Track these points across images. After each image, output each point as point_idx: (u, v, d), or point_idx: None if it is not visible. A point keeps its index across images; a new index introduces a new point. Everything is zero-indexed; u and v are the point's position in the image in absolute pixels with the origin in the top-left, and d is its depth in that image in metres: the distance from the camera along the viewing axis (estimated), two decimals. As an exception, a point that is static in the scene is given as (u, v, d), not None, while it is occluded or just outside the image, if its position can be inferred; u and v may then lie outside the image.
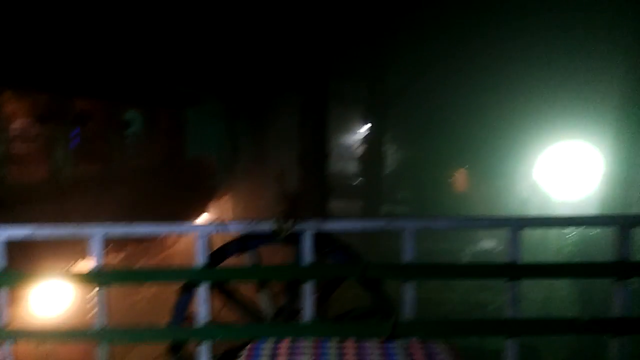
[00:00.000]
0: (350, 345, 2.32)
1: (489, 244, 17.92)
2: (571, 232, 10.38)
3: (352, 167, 22.83)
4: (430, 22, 14.74)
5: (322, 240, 3.13)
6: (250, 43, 12.70)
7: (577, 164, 11.04)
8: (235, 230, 3.03)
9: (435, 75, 16.71)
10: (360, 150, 19.71)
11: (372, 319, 3.17)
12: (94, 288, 2.97)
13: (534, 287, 11.11)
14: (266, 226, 2.97)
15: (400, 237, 3.08)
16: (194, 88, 13.12)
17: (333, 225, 3.06)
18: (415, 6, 14.79)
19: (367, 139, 17.69)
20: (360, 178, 19.84)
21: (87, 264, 3.02)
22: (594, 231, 8.44)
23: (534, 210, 17.38)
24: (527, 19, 11.32)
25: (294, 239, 3.03)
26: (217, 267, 3.03)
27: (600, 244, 9.02)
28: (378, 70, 16.92)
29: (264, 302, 3.20)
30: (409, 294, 3.10)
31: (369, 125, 18.22)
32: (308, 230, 2.97)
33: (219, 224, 2.94)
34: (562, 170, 11.43)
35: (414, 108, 19.49)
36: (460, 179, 23.80)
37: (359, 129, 22.70)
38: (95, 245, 2.96)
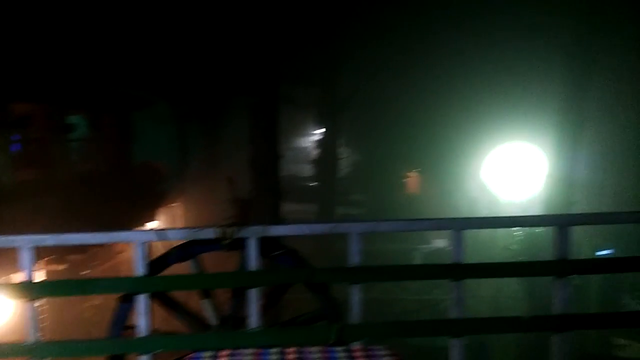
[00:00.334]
0: (292, 352, 2.27)
1: (441, 243, 18.32)
2: (518, 231, 10.72)
3: (307, 170, 22.86)
4: (381, 26, 14.93)
5: (268, 246, 3.07)
6: (200, 45, 12.48)
7: (522, 165, 11.42)
8: (175, 237, 2.93)
9: (386, 79, 16.95)
10: (314, 153, 19.74)
11: (319, 324, 3.13)
12: (26, 301, 2.80)
13: (484, 283, 11.42)
14: (209, 233, 2.88)
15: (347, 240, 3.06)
16: (142, 91, 12.76)
17: (279, 230, 3.00)
18: (366, 10, 14.94)
19: (321, 142, 17.74)
20: (315, 181, 19.88)
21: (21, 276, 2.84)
22: (540, 229, 8.75)
23: (483, 209, 17.90)
24: (474, 25, 11.63)
25: (239, 245, 2.95)
26: (157, 276, 2.91)
27: (546, 241, 9.37)
28: (330, 73, 17.02)
29: (207, 310, 3.10)
30: (356, 297, 3.08)
31: (323, 128, 18.28)
32: (252, 236, 2.91)
33: (157, 231, 2.83)
34: (508, 171, 11.80)
35: (367, 111, 19.71)
36: (412, 180, 24.26)
37: (313, 132, 22.77)
38: (25, 256, 2.79)
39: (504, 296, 12.60)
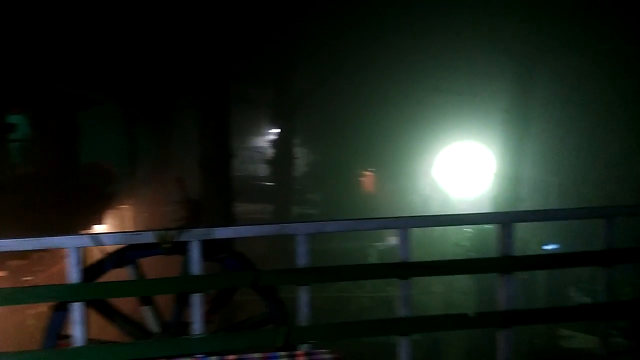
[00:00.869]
0: (232, 359, 2.20)
1: (396, 240, 18.48)
2: (469, 227, 10.96)
3: (262, 170, 22.66)
4: (336, 28, 14.97)
5: (213, 249, 2.98)
6: (149, 43, 12.12)
7: (471, 164, 11.71)
8: (111, 242, 2.79)
9: (341, 80, 17.03)
10: (270, 153, 19.59)
11: (266, 328, 3.07)
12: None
13: (435, 279, 11.64)
14: (147, 236, 2.77)
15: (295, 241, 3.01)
16: (88, 90, 12.27)
17: (222, 232, 2.92)
18: (321, 11, 14.95)
19: (276, 141, 17.62)
20: (271, 181, 19.74)
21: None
22: (490, 226, 8.95)
23: (435, 207, 18.27)
24: (425, 27, 11.84)
25: (180, 249, 2.85)
26: (93, 283, 2.77)
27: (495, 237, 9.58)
28: (285, 73, 16.93)
29: (148, 317, 2.98)
30: (304, 299, 3.04)
31: (278, 128, 18.17)
32: (194, 239, 2.81)
33: (92, 236, 2.69)
34: (458, 169, 12.08)
35: (323, 111, 19.74)
36: (368, 179, 24.49)
37: (269, 132, 22.59)
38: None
39: (456, 291, 12.88)
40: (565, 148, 12.72)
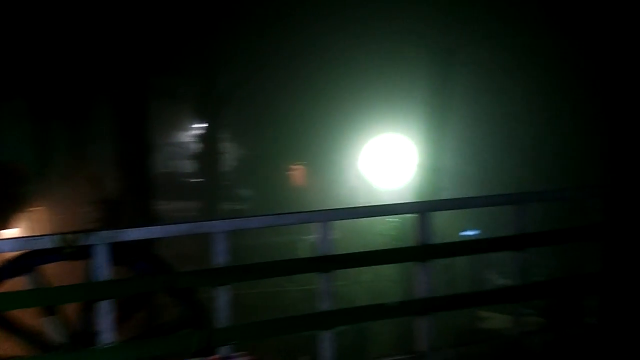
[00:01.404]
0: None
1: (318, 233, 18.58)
2: (394, 217, 11.19)
3: (188, 166, 22.04)
4: (262, 21, 14.75)
5: (122, 252, 2.80)
6: (62, 35, 11.34)
7: (395, 155, 12.00)
8: (8, 248, 2.55)
9: (268, 73, 16.84)
10: (197, 148, 19.06)
11: (182, 333, 2.94)
12: None
13: (364, 269, 11.85)
14: (47, 241, 2.55)
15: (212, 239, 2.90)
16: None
17: (132, 234, 2.75)
18: (246, 4, 14.67)
19: (203, 136, 17.16)
20: (198, 177, 19.23)
21: None
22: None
23: (362, 198, 18.60)
24: (349, 22, 11.92)
25: (86, 253, 2.66)
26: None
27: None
28: (211, 66, 16.48)
29: (52, 328, 2.76)
30: (222, 300, 2.94)
31: (205, 122, 17.71)
32: (101, 242, 2.63)
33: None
34: (382, 161, 12.33)
35: (251, 105, 19.46)
36: (298, 173, 24.52)
37: (195, 127, 21.98)
38: None
39: (384, 280, 13.17)
40: (483, 138, 13.33)
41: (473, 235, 11.75)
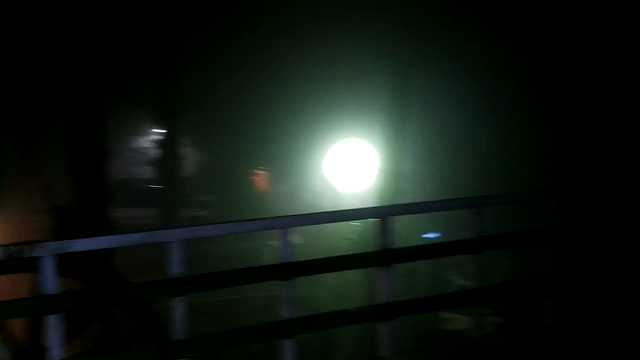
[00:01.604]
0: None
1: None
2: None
3: (148, 172, 21.54)
4: (223, 25, 14.60)
5: (71, 263, 2.67)
6: (14, 38, 10.87)
7: (357, 160, 12.11)
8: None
9: (230, 78, 16.67)
10: (156, 154, 18.64)
11: (137, 346, 2.83)
12: None
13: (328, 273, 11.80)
14: (-13, 254, 2.40)
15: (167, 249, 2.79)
16: None
17: (81, 244, 2.62)
18: (207, 8, 14.48)
19: (163, 141, 16.79)
20: (158, 183, 18.81)
21: None
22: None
23: (327, 202, 18.62)
24: (311, 28, 11.95)
25: (31, 266, 2.52)
26: None
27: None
28: (170, 70, 16.18)
29: (-6, 347, 2.61)
30: (179, 311, 2.84)
31: (165, 127, 17.35)
32: (47, 254, 2.50)
33: None
34: (346, 165, 12.41)
35: (212, 110, 19.21)
36: (261, 178, 24.34)
37: (155, 132, 21.51)
38: None
39: (348, 284, 13.19)
40: (441, 143, 13.58)
41: (434, 237, 11.93)
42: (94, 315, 2.97)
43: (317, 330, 3.25)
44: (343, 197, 14.33)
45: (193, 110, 18.01)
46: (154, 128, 20.95)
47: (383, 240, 3.38)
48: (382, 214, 3.35)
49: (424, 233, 11.73)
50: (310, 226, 3.55)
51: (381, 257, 3.35)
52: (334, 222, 3.42)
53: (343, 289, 13.68)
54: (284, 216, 3.16)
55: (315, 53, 12.57)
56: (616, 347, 3.55)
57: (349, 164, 12.12)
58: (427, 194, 13.70)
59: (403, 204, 3.55)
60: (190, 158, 23.08)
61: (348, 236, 11.14)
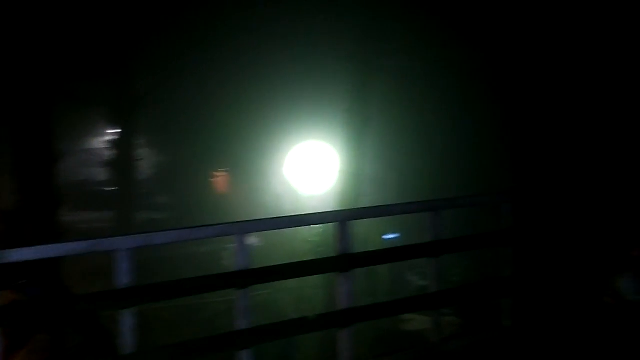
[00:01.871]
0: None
1: (252, 239, 18.27)
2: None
3: (102, 173, 20.84)
4: (180, 22, 14.24)
5: (8, 274, 2.47)
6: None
7: (318, 162, 12.05)
8: None
9: (188, 78, 16.29)
10: (110, 155, 18.00)
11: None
12: None
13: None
14: None
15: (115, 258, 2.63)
16: None
17: (20, 254, 2.43)
18: (162, 5, 14.09)
19: (117, 142, 16.24)
20: (112, 185, 18.19)
21: None
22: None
23: (288, 205, 18.48)
24: (272, 29, 11.81)
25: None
26: None
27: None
28: (125, 69, 15.64)
29: None
30: (127, 324, 2.68)
31: (119, 127, 16.79)
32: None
33: None
34: (307, 168, 12.33)
35: (169, 110, 18.74)
36: (221, 180, 23.93)
37: (109, 132, 20.81)
38: None
39: (309, 286, 13.11)
40: (401, 145, 13.70)
41: (394, 237, 12.00)
42: (38, 327, 2.77)
43: (275, 340, 3.14)
44: (304, 199, 14.25)
45: (150, 110, 17.51)
46: (109, 128, 20.28)
47: (342, 244, 3.30)
48: (340, 218, 3.28)
49: (384, 234, 11.78)
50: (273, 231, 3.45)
51: (340, 262, 3.27)
52: (293, 227, 3.32)
53: (305, 292, 13.58)
54: (240, 221, 3.04)
55: (276, 54, 12.43)
56: (572, 346, 3.60)
57: (309, 166, 12.05)
58: (388, 196, 13.80)
59: (363, 208, 3.49)
60: (148, 159, 22.44)
61: (310, 238, 11.05)
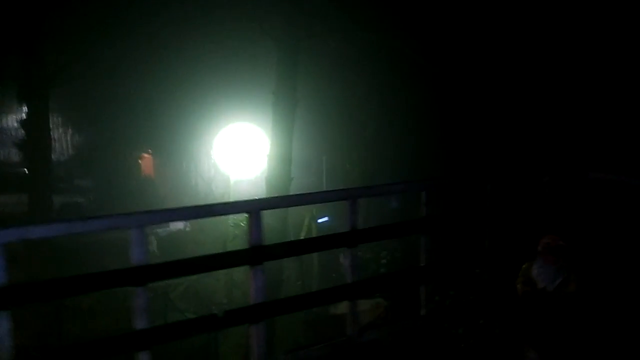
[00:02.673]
0: None
1: (180, 224, 17.70)
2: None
3: (13, 155, 19.35)
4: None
5: None
6: None
7: (248, 144, 11.70)
8: None
9: (110, 52, 15.26)
10: (22, 135, 16.65)
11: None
12: None
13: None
14: None
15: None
16: None
17: None
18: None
19: (29, 121, 14.98)
20: (25, 167, 16.89)
21: None
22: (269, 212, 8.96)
23: (219, 189, 17.97)
24: (194, 7, 11.24)
25: None
26: None
27: (273, 222, 9.76)
28: (36, 43, 14.36)
29: None
30: (2, 328, 2.36)
31: (31, 106, 15.49)
32: None
33: None
34: (236, 150, 11.95)
35: (90, 87, 17.58)
36: (146, 162, 22.90)
37: (20, 110, 19.28)
38: None
39: (240, 270, 12.85)
40: (331, 129, 13.63)
41: (324, 220, 11.94)
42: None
43: (177, 340, 2.92)
44: (236, 183, 13.87)
45: (68, 87, 16.30)
46: (21, 106, 18.77)
47: (254, 236, 3.11)
48: (252, 208, 3.08)
49: (318, 217, 11.71)
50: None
51: (251, 255, 3.08)
52: (199, 217, 3.09)
53: (235, 276, 13.29)
54: (137, 212, 2.76)
55: (204, 32, 11.88)
56: (483, 335, 3.64)
57: (239, 149, 11.68)
58: (319, 180, 13.72)
59: (277, 197, 3.32)
60: (66, 139, 21.07)
61: (241, 222, 10.67)
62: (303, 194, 3.11)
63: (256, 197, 3.13)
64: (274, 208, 3.33)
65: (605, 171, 3.65)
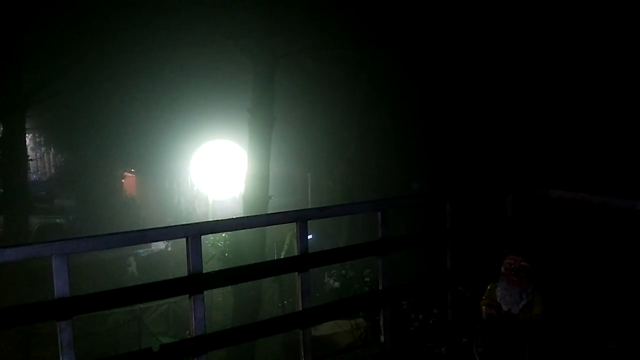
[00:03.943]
0: None
1: (161, 244, 17.46)
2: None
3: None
4: (81, 14, 13.10)
5: None
6: None
7: (226, 163, 11.55)
8: None
9: (88, 74, 15.11)
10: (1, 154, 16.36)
11: None
12: None
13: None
14: None
15: None
16: None
17: None
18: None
19: (4, 140, 14.71)
20: (3, 187, 16.56)
21: None
22: (246, 231, 8.77)
23: (201, 208, 17.74)
24: (170, 24, 11.16)
25: None
26: None
27: (250, 241, 9.57)
28: (13, 62, 14.17)
29: None
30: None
31: (6, 124, 15.22)
32: None
33: None
34: (214, 169, 11.78)
35: (72, 106, 17.39)
36: (129, 182, 22.62)
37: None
38: None
39: (218, 292, 12.62)
40: (315, 146, 13.48)
41: (309, 239, 11.74)
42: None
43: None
44: (216, 202, 13.68)
45: (48, 105, 16.09)
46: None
47: (193, 262, 2.91)
48: (190, 232, 2.89)
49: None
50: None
51: (189, 283, 2.88)
52: (131, 244, 2.89)
53: (214, 298, 13.01)
54: (60, 240, 2.56)
55: (182, 51, 11.79)
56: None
57: (217, 167, 11.49)
58: (300, 197, 13.54)
59: (213, 221, 3.13)
60: (47, 159, 20.80)
61: (217, 243, 10.47)
62: (246, 217, 2.94)
63: (198, 221, 2.92)
64: (214, 232, 3.14)
65: (567, 188, 3.51)
